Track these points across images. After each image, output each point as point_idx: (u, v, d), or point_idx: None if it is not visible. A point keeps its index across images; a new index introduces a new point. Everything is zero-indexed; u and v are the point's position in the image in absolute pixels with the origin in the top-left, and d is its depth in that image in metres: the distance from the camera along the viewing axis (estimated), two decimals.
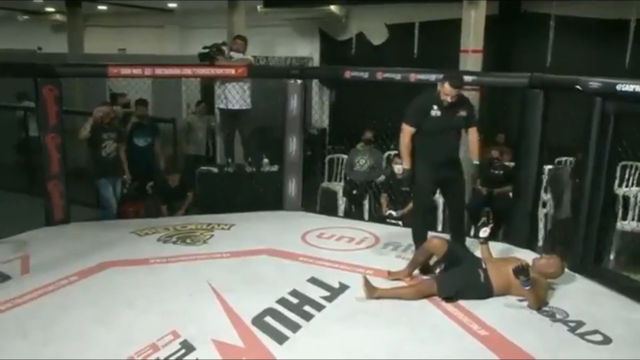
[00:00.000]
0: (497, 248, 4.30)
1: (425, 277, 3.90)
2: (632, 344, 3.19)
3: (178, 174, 5.90)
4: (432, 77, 5.05)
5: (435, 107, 4.07)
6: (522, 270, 3.42)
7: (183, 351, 2.98)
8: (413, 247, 4.49)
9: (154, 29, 11.91)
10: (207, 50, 5.75)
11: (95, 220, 5.43)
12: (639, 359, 3.04)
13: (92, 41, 11.53)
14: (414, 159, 4.20)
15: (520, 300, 3.60)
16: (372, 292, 3.61)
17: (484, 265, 3.71)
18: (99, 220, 5.40)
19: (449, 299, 3.62)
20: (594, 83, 3.98)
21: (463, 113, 4.16)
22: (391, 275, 3.99)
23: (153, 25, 11.91)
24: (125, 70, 5.30)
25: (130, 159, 5.74)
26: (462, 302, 3.58)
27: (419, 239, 4.23)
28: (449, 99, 4.02)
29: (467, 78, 5.33)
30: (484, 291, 3.65)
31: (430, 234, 4.27)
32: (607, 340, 3.21)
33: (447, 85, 4.01)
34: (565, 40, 7.80)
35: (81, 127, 5.39)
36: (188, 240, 4.75)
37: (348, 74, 5.33)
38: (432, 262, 4.01)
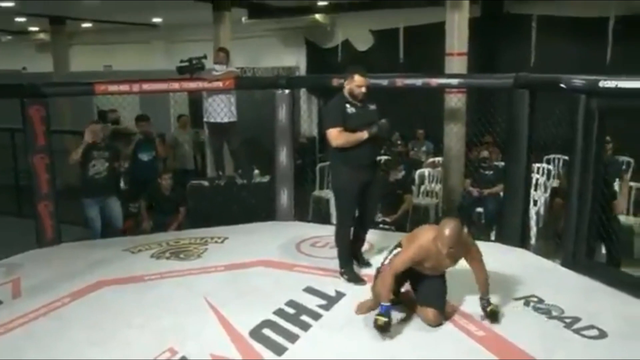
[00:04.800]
0: (489, 248, 4.21)
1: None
2: (627, 337, 3.21)
3: (169, 174, 5.82)
4: (419, 81, 5.10)
5: (348, 105, 3.94)
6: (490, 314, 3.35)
7: None
8: None
9: (139, 45, 11.93)
10: (185, 64, 5.74)
11: (86, 239, 5.37)
12: (634, 352, 3.06)
13: (78, 59, 11.52)
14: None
15: (516, 299, 3.63)
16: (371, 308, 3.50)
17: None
18: (90, 240, 5.35)
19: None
20: (577, 81, 4.04)
21: (373, 106, 4.05)
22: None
23: (139, 40, 11.92)
24: (113, 87, 5.30)
25: (135, 174, 5.68)
26: (458, 305, 3.59)
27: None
28: (363, 90, 3.91)
29: (454, 81, 5.41)
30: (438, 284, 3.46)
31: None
32: (602, 335, 3.24)
33: (356, 76, 3.90)
34: (547, 40, 7.91)
35: (73, 152, 5.26)
36: (182, 255, 4.72)
37: (335, 82, 5.35)
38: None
